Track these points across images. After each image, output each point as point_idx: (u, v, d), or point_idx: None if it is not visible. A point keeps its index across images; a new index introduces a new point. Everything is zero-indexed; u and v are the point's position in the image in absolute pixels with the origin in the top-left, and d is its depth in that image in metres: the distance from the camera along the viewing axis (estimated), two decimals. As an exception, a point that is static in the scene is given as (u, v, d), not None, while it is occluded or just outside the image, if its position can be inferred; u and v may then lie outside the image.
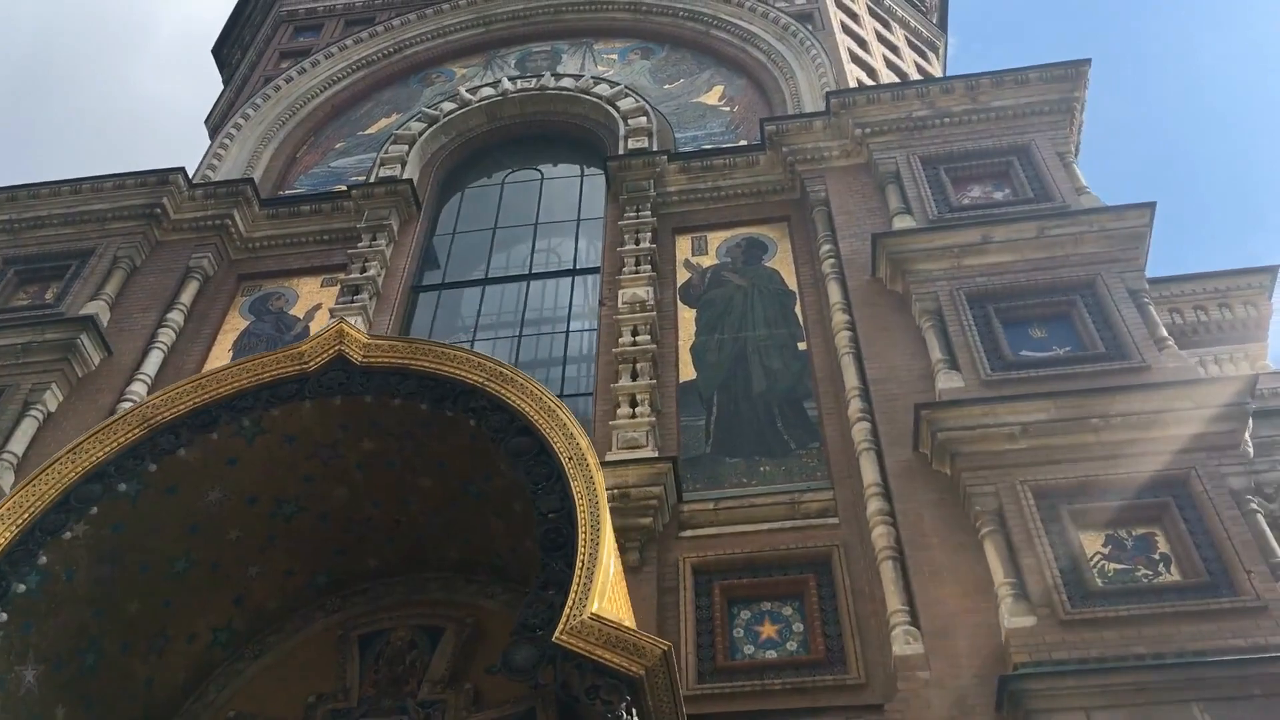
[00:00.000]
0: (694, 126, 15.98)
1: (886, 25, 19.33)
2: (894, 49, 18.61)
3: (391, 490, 8.56)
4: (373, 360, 7.80)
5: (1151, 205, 11.75)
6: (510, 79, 17.21)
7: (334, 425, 8.08)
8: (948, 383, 10.44)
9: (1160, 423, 9.52)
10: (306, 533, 8.67)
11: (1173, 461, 9.31)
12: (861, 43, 17.77)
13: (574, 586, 5.97)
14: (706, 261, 13.64)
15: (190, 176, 15.53)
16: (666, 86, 17.08)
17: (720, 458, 11.14)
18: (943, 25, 22.58)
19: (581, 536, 6.30)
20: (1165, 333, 10.66)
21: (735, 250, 13.71)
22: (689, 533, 10.33)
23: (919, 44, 19.74)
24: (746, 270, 13.39)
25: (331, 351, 7.89)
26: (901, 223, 12.47)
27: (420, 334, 13.60)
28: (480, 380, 7.52)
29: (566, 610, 5.84)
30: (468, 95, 16.92)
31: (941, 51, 20.41)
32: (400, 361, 7.74)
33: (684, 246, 13.91)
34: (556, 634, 5.77)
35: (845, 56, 16.44)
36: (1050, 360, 10.63)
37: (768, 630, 9.58)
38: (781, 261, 13.41)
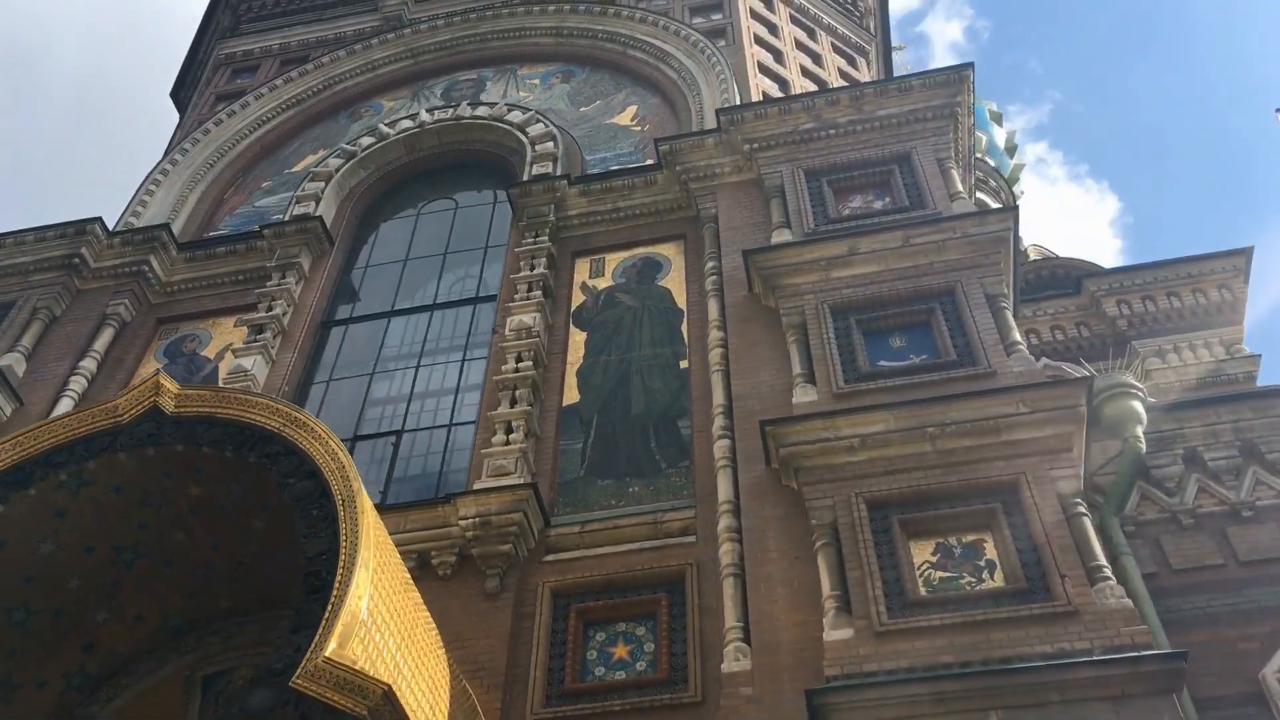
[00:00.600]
0: (605, 148, 16.19)
1: (811, 34, 19.44)
2: (816, 57, 18.72)
3: (228, 533, 8.84)
4: (183, 410, 8.09)
5: (1015, 209, 11.83)
6: (429, 110, 17.51)
7: (158, 473, 8.37)
8: (802, 397, 10.59)
9: (995, 429, 9.62)
10: (151, 577, 8.96)
11: (1005, 467, 9.41)
12: (777, 54, 17.92)
13: (320, 629, 6.20)
14: (602, 283, 13.86)
15: (116, 223, 16.00)
16: (583, 109, 17.31)
17: (593, 480, 11.34)
18: (883, 29, 22.64)
19: (337, 578, 6.53)
20: (1018, 336, 10.74)
21: (630, 271, 13.91)
22: (553, 557, 10.55)
23: (847, 50, 19.82)
24: (639, 290, 13.58)
25: (147, 403, 8.19)
26: (779, 237, 12.62)
27: (325, 369, 13.95)
28: (278, 426, 7.78)
29: (308, 653, 6.08)
30: (386, 129, 17.23)
31: (874, 55, 20.47)
32: (208, 410, 8.02)
33: (583, 269, 14.13)
34: (294, 678, 6.01)
35: (752, 70, 16.59)
36: (904, 370, 10.74)
37: (620, 651, 9.77)
38: (674, 280, 13.59)
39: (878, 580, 8.78)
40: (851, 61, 19.60)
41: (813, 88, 17.35)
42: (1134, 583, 11.72)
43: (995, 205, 37.50)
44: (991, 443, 9.56)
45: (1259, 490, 12.68)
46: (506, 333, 12.78)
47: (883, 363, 10.94)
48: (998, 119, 39.53)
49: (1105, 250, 77.82)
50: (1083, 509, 9.03)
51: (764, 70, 17.13)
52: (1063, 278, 28.58)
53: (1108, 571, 8.55)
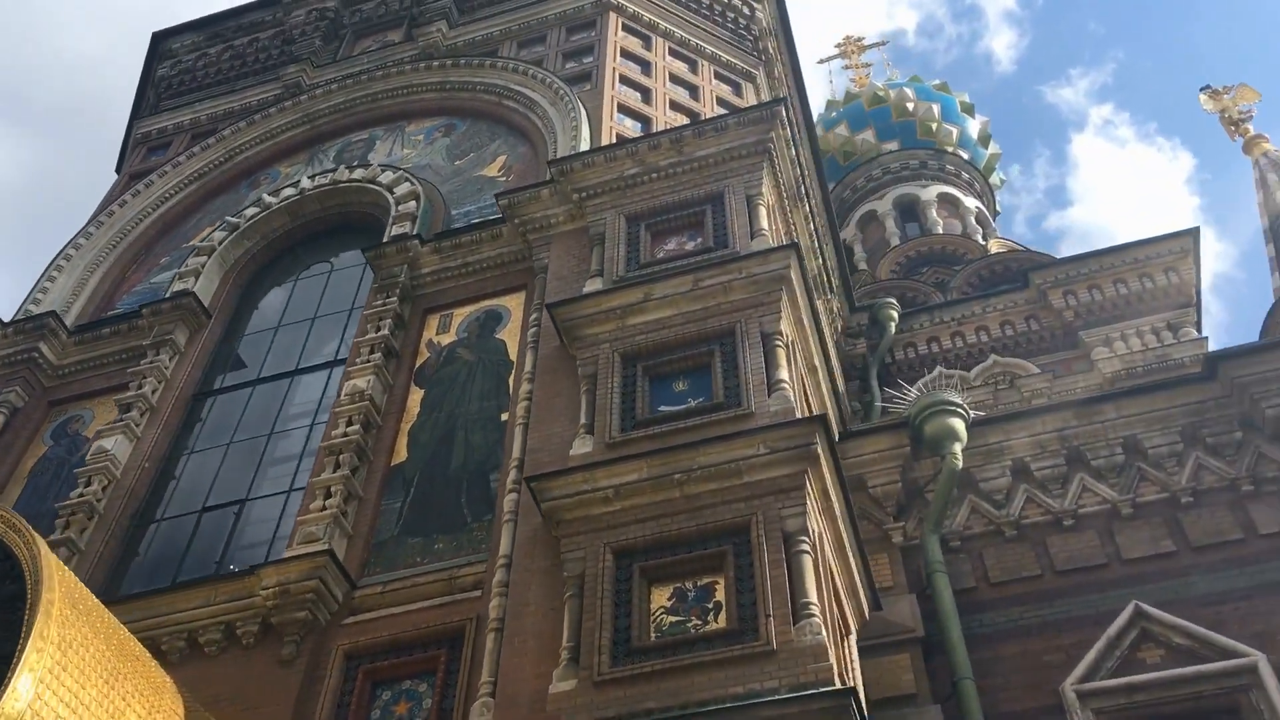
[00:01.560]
0: (471, 201, 16.68)
1: (692, 65, 19.75)
2: (693, 90, 19.02)
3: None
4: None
5: (794, 246, 12.12)
6: (310, 177, 18.13)
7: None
8: (579, 448, 10.98)
9: (737, 471, 9.94)
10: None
11: (742, 509, 9.72)
12: (645, 92, 18.26)
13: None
14: (446, 339, 14.35)
15: (17, 311, 16.86)
16: (457, 162, 17.82)
17: (405, 539, 11.84)
18: (788, 47, 22.85)
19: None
20: (784, 375, 10.99)
21: (474, 325, 14.39)
22: (355, 618, 11.04)
23: (732, 77, 20.08)
24: (479, 344, 14.05)
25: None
26: (591, 286, 13.00)
27: (192, 441, 14.58)
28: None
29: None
30: (269, 199, 17.89)
31: (766, 77, 20.66)
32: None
33: (432, 326, 14.64)
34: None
35: (608, 113, 16.97)
36: (681, 414, 11.07)
37: (401, 709, 10.25)
38: (510, 332, 14.04)
39: (608, 629, 9.15)
40: (737, 88, 19.86)
41: (684, 121, 17.65)
42: (942, 601, 12.05)
43: (971, 199, 37.43)
44: (734, 485, 9.88)
45: (1084, 497, 12.93)
46: (341, 397, 13.33)
47: (663, 408, 11.29)
48: (969, 110, 39.41)
49: (1181, 210, 76.22)
50: (805, 547, 9.30)
51: (625, 110, 17.49)
52: (1015, 271, 28.55)
53: (814, 609, 8.82)
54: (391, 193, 16.87)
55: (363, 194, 17.47)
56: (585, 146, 15.88)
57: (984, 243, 33.64)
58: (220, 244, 17.24)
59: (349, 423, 12.94)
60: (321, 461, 12.60)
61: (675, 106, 18.31)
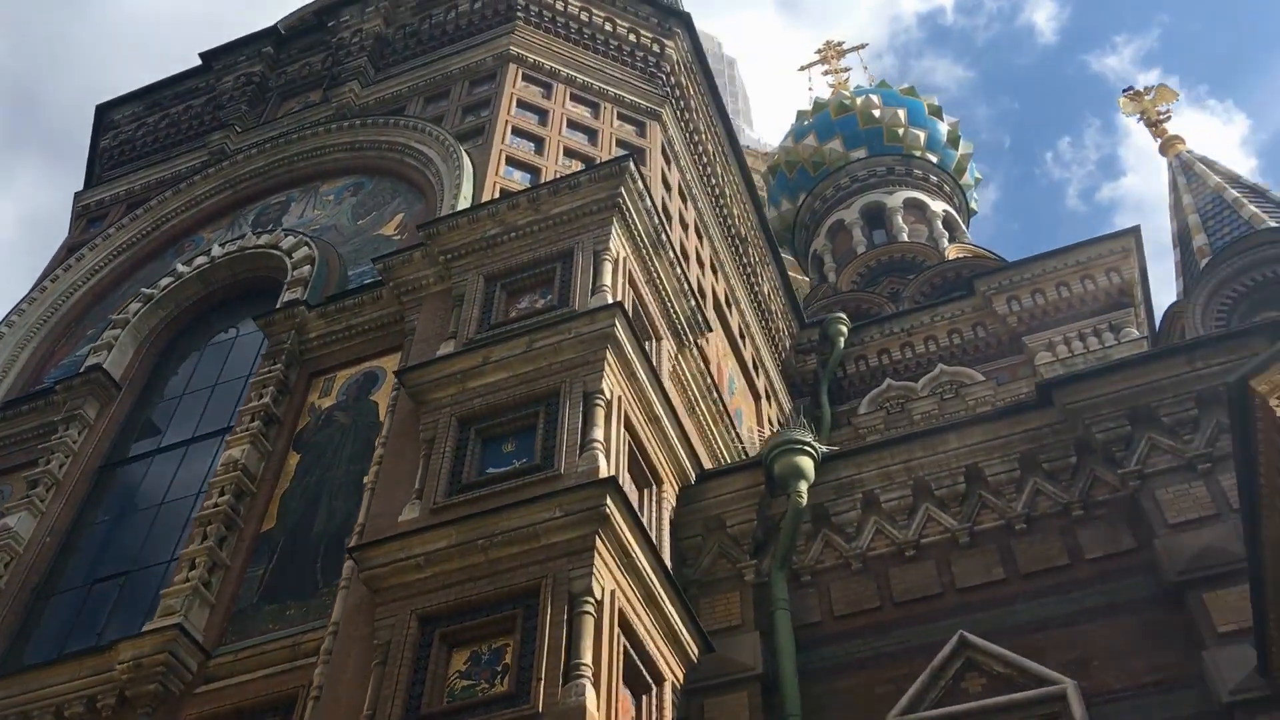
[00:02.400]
0: (366, 261, 17.19)
1: (594, 108, 20.20)
2: (592, 134, 19.44)
3: None
4: None
5: (617, 305, 12.57)
6: (222, 244, 18.84)
7: None
8: (407, 515, 11.50)
9: (535, 535, 10.42)
10: None
11: (537, 571, 10.19)
12: (539, 142, 18.72)
13: None
14: (327, 403, 14.95)
15: (-51, 392, 17.71)
16: (360, 222, 18.43)
17: (262, 606, 12.43)
18: (704, 75, 23.22)
19: None
20: (598, 435, 11.43)
21: (352, 387, 14.97)
22: (207, 687, 11.64)
23: (637, 116, 20.47)
24: (354, 407, 14.63)
25: None
26: (444, 349, 13.51)
27: (89, 512, 15.28)
28: None
29: None
30: (182, 268, 18.62)
31: (669, 114, 20.99)
32: None
33: (316, 390, 15.25)
34: None
35: (493, 169, 17.45)
36: (502, 476, 11.55)
37: (236, 776, 10.84)
38: (383, 394, 14.57)
39: (401, 697, 9.66)
40: (640, 128, 20.25)
41: (579, 167, 18.08)
42: (779, 637, 12.45)
43: (939, 202, 37.45)
44: (533, 548, 10.36)
45: (928, 527, 13.26)
46: (217, 467, 13.98)
47: (491, 470, 11.78)
48: (937, 113, 39.48)
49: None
50: (588, 608, 9.75)
51: (515, 163, 17.96)
52: (968, 279, 28.68)
53: (585, 670, 9.26)
54: (290, 257, 17.50)
55: (267, 259, 18.11)
56: (466, 204, 16.38)
57: (944, 248, 33.76)
58: (135, 315, 17.96)
59: (221, 493, 13.55)
60: (193, 532, 13.25)
61: (570, 153, 18.77)
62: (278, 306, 16.29)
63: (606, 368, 12.11)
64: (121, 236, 20.54)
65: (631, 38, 21.90)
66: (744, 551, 13.50)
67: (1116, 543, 12.10)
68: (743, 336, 23.00)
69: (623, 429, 11.99)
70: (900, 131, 38.14)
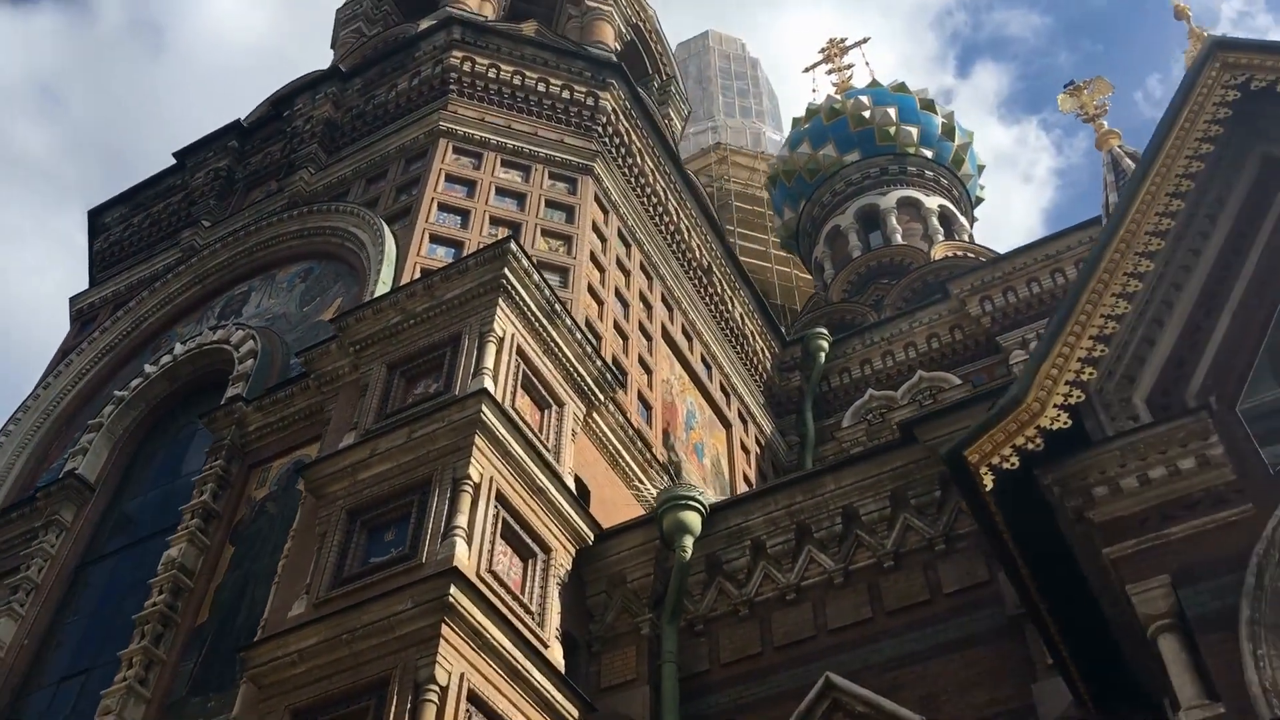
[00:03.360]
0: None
1: (525, 172, 20.95)
2: (521, 199, 20.20)
3: None
4: None
5: (483, 392, 13.35)
6: (183, 340, 20.07)
7: None
8: (296, 609, 12.45)
9: (390, 627, 11.27)
10: None
11: (391, 662, 11.06)
12: (465, 216, 19.52)
13: None
14: (262, 493, 16.01)
15: (-50, 506, 19.24)
16: (305, 308, 19.46)
17: (190, 698, 13.50)
18: (645, 119, 23.88)
19: None
20: (461, 521, 12.19)
21: (284, 477, 15.98)
22: (136, 780, 12.78)
23: (568, 174, 21.12)
24: (283, 497, 15.64)
25: None
26: (345, 440, 14.45)
27: (64, 612, 16.56)
28: None
29: None
30: (150, 368, 19.86)
31: (601, 167, 21.58)
32: None
33: (254, 481, 16.33)
34: None
35: (415, 248, 18.32)
36: (381, 566, 12.43)
37: None
38: (307, 483, 15.58)
39: (266, 791, 10.62)
40: (572, 185, 20.91)
41: (504, 235, 18.88)
42: (664, 691, 13.14)
43: (934, 198, 37.44)
44: (388, 639, 11.22)
45: (809, 569, 13.85)
46: (159, 567, 15.11)
47: (374, 559, 12.68)
48: (930, 106, 39.44)
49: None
50: (431, 696, 10.57)
51: (439, 240, 18.80)
52: (946, 282, 28.81)
53: (413, 757, 10.10)
54: (237, 351, 18.62)
55: (220, 354, 19.19)
56: (385, 288, 17.25)
57: (933, 247, 33.79)
58: (108, 418, 19.24)
59: (160, 591, 14.66)
60: (135, 631, 14.39)
61: (496, 222, 19.53)
62: (220, 404, 17.40)
63: (475, 452, 12.89)
64: (105, 339, 21.89)
65: (565, 94, 22.64)
66: (644, 605, 14.18)
67: (973, 575, 12.56)
68: (708, 366, 23.57)
69: (493, 509, 12.75)
70: (891, 130, 38.22)
